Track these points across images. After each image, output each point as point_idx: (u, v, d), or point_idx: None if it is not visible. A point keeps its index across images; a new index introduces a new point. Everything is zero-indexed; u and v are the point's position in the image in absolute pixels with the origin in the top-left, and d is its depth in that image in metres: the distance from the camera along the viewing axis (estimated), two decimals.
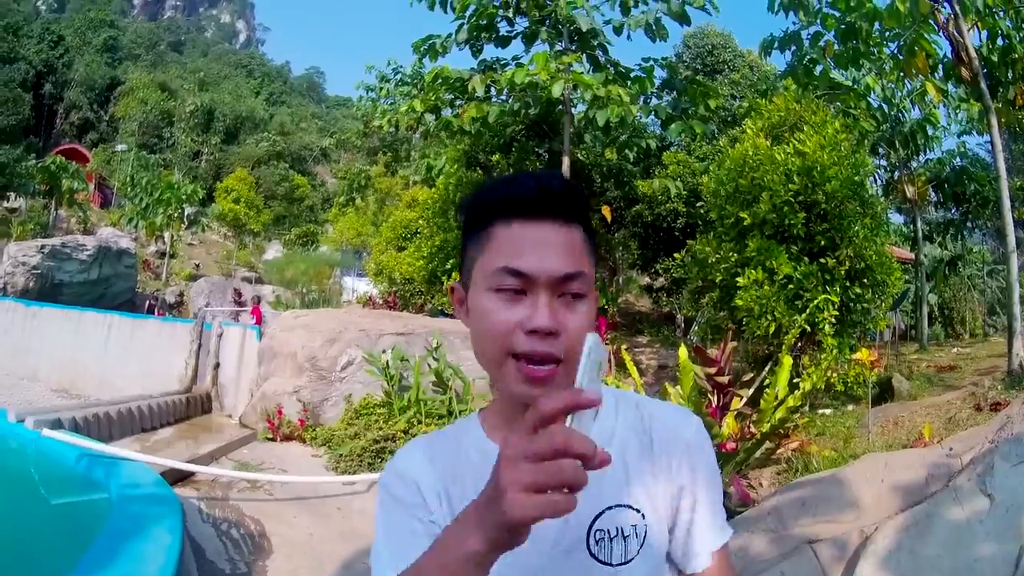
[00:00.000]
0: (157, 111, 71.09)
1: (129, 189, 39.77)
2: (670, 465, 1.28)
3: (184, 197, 38.27)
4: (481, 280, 1.21)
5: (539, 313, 1.14)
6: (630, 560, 1.21)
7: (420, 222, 20.61)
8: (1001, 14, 11.58)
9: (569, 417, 0.86)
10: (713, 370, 7.19)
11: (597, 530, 1.20)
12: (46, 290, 25.78)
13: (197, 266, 40.86)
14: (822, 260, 9.89)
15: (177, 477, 8.25)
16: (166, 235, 38.41)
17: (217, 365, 13.49)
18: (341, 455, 9.67)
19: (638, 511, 1.23)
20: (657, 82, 15.83)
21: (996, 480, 4.24)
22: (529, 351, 1.14)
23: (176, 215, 37.86)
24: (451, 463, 1.31)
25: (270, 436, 11.00)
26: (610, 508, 1.21)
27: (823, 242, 9.98)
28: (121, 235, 34.29)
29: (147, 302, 30.59)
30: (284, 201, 61.10)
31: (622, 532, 1.21)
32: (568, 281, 1.17)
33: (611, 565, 1.20)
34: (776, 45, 13.56)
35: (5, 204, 41.10)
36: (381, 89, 24.61)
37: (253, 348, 13.17)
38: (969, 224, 21.82)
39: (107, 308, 20.69)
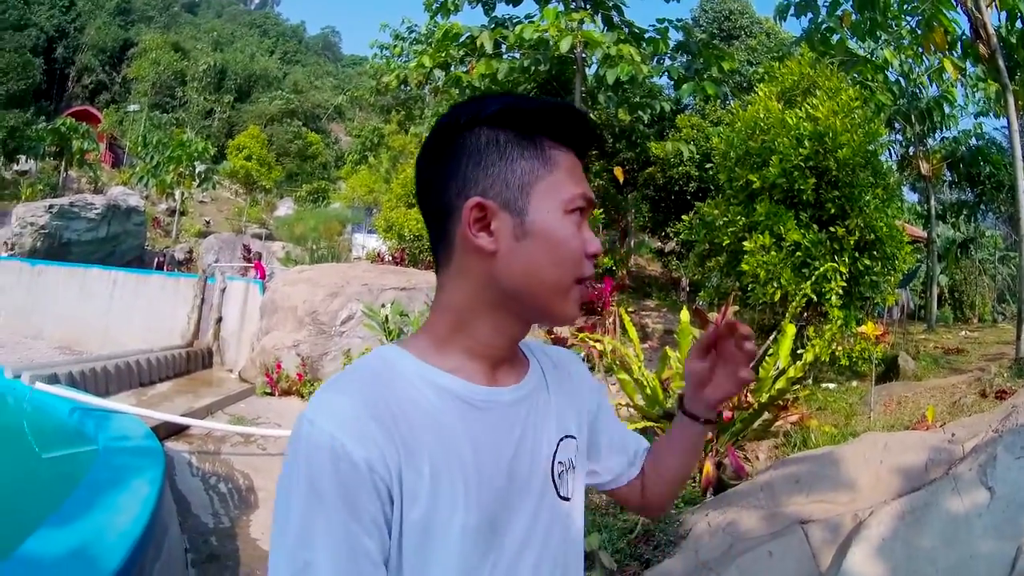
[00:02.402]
0: (170, 71, 71.01)
1: (140, 148, 39.86)
2: (582, 392, 1.36)
3: (195, 155, 38.24)
4: (554, 200, 1.13)
5: (595, 239, 1.16)
6: (575, 490, 1.25)
7: None
8: None
9: None
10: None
11: (558, 462, 1.20)
12: (54, 249, 25.79)
13: (207, 223, 40.91)
14: (831, 228, 9.74)
15: (171, 431, 8.28)
16: (177, 193, 38.42)
17: (219, 319, 13.53)
18: None
19: (574, 438, 1.27)
20: (672, 44, 15.71)
21: (998, 472, 4.12)
22: (591, 276, 1.17)
23: (187, 173, 37.85)
24: (404, 422, 1.02)
25: (268, 390, 11.09)
26: (563, 439, 1.23)
27: (833, 210, 9.83)
28: (130, 193, 34.14)
29: (156, 259, 30.62)
30: (297, 158, 60.98)
31: (572, 463, 1.24)
32: None
33: (566, 499, 1.21)
34: (792, 11, 13.45)
35: (15, 167, 41.09)
36: (395, 47, 24.55)
37: (256, 302, 13.23)
38: (983, 207, 21.73)
39: (115, 265, 20.77)
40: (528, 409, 1.18)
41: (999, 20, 11.93)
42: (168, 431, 8.17)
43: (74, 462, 6.58)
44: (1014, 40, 12.01)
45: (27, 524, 4.93)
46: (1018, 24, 11.86)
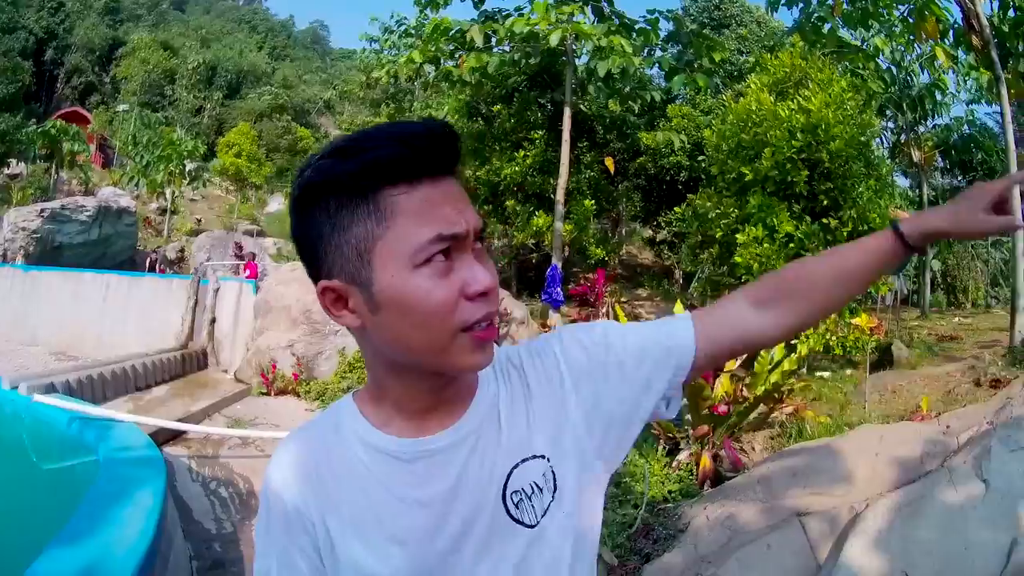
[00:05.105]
0: (159, 70, 70.67)
1: (131, 148, 39.58)
2: (552, 387, 1.20)
3: (185, 153, 38.03)
4: (397, 260, 1.02)
5: (480, 273, 1.04)
6: (546, 512, 1.15)
7: None
8: None
9: None
10: None
11: (513, 492, 1.13)
12: (47, 253, 25.64)
13: (199, 221, 40.59)
14: (824, 220, 9.81)
15: (169, 436, 8.26)
16: (167, 191, 38.25)
17: (213, 320, 13.50)
18: None
19: (542, 457, 1.17)
20: (662, 35, 15.84)
21: (992, 465, 4.15)
22: (483, 316, 1.04)
23: (177, 171, 37.62)
24: (332, 477, 1.16)
25: (264, 391, 11.11)
26: (517, 466, 1.14)
27: (826, 201, 9.89)
28: (121, 194, 34.03)
29: (148, 259, 30.50)
30: (287, 154, 60.44)
31: (536, 486, 1.15)
32: (481, 232, 1.09)
33: (531, 527, 1.14)
34: (783, 1, 13.44)
35: (6, 171, 40.91)
36: (384, 40, 24.52)
37: (249, 302, 13.22)
38: None
39: (108, 267, 20.93)
40: (470, 448, 1.14)
41: (991, 9, 11.97)
42: (166, 436, 8.15)
43: (75, 473, 6.59)
44: (1006, 29, 12.03)
45: (31, 539, 4.95)
46: (1011, 13, 11.88)
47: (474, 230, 1.06)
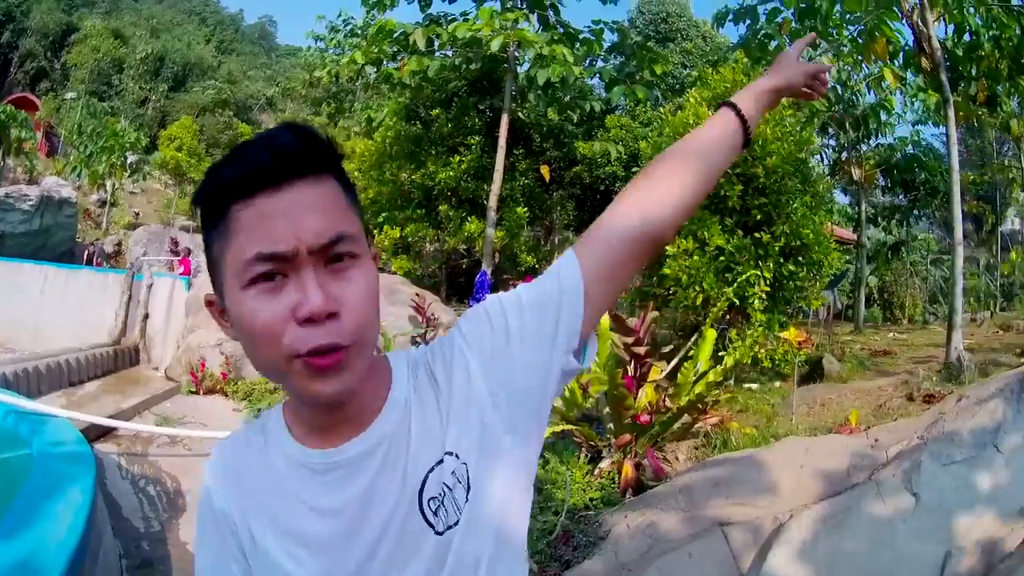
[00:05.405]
0: (109, 59, 69.38)
1: (75, 137, 38.89)
2: (460, 377, 1.17)
3: (128, 145, 37.43)
4: (233, 279, 1.01)
5: (309, 294, 0.97)
6: (462, 511, 1.12)
7: (356, 174, 20.34)
8: (972, 10, 11.58)
9: None
10: (631, 339, 7.06)
11: (430, 499, 1.11)
12: None
13: (137, 215, 40.04)
14: (756, 234, 9.87)
15: (100, 432, 8.24)
16: (108, 183, 37.60)
17: (146, 316, 13.39)
18: (260, 409, 9.63)
19: (453, 454, 1.13)
20: (606, 45, 15.94)
21: (923, 479, 4.23)
22: (319, 345, 0.98)
23: (119, 163, 36.96)
24: (255, 484, 1.18)
25: (193, 389, 11.06)
26: (432, 470, 1.12)
27: (759, 216, 9.96)
28: (64, 184, 33.28)
29: (86, 252, 29.99)
30: (227, 150, 59.83)
31: (447, 487, 1.12)
32: (333, 245, 1.01)
33: (450, 528, 1.11)
34: (730, 17, 13.55)
35: None
36: (330, 40, 24.34)
37: (181, 299, 13.15)
38: (916, 211, 22.15)
39: (47, 259, 20.61)
40: (382, 456, 1.12)
41: (945, 32, 12.11)
42: (97, 432, 8.12)
43: (8, 466, 6.55)
44: (960, 52, 12.22)
45: None
46: (967, 37, 12.06)
47: (310, 247, 0.99)
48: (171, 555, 5.76)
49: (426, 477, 1.12)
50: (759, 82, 1.46)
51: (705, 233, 9.73)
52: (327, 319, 0.99)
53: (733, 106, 1.36)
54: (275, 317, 0.98)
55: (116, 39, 72.64)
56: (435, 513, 1.11)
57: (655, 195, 1.24)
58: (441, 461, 1.12)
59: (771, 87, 1.45)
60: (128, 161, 37.51)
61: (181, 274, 17.29)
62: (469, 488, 1.13)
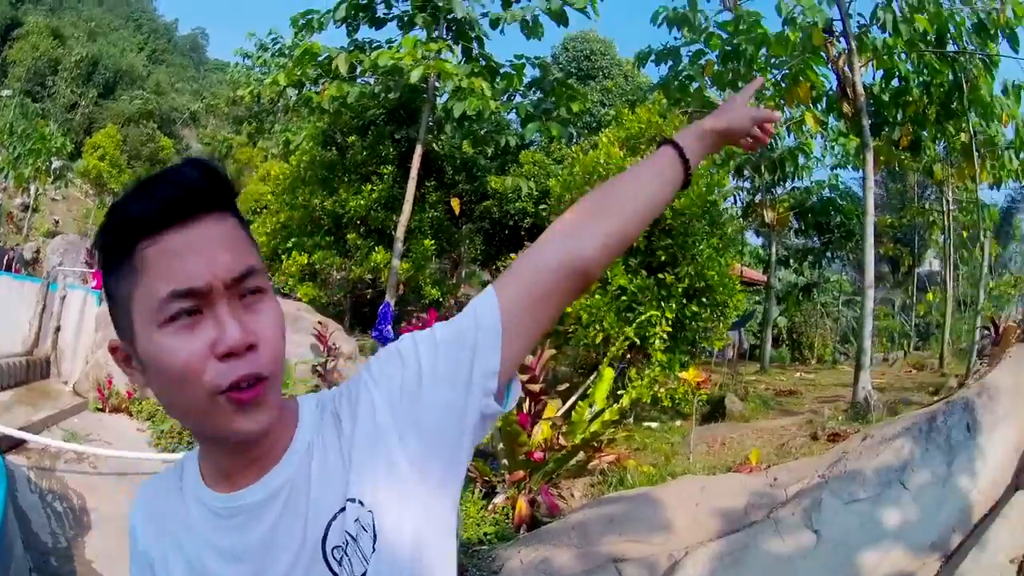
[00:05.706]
0: (46, 58, 68.23)
1: (6, 137, 38.19)
2: (367, 421, 1.11)
3: (54, 149, 36.89)
4: (146, 319, 0.99)
5: (231, 329, 0.97)
6: (367, 564, 1.06)
7: (270, 197, 20.25)
8: (903, 56, 11.83)
9: None
10: (526, 377, 7.09)
11: (334, 548, 1.07)
12: None
13: (56, 222, 39.35)
14: (660, 275, 9.93)
15: (11, 444, 8.08)
16: (32, 188, 36.94)
17: (58, 329, 13.02)
18: (163, 431, 9.54)
19: (355, 501, 1.08)
20: (527, 80, 15.98)
21: (824, 516, 4.28)
22: (240, 378, 0.98)
23: (44, 168, 36.41)
24: (172, 526, 1.17)
25: (100, 406, 10.80)
26: (335, 517, 1.07)
27: (663, 257, 10.04)
28: None
29: (5, 257, 29.34)
30: (147, 162, 59.02)
31: (351, 536, 1.06)
32: (244, 280, 1.01)
33: None
34: (653, 57, 13.71)
35: None
36: (258, 58, 24.20)
37: (92, 313, 12.76)
38: (830, 254, 22.53)
39: None
40: (283, 501, 1.09)
41: (873, 78, 12.45)
42: (8, 444, 7.97)
43: None
44: (886, 98, 12.52)
45: None
46: (895, 83, 12.37)
47: (224, 281, 0.99)
48: (77, 572, 5.84)
49: (328, 524, 1.08)
50: (703, 122, 1.47)
51: (608, 272, 9.75)
52: (246, 351, 0.99)
53: (675, 144, 1.37)
54: (194, 355, 0.97)
55: (55, 39, 71.51)
56: (339, 563, 1.07)
57: (583, 229, 1.22)
58: (343, 509, 1.08)
59: (714, 128, 1.45)
60: (53, 167, 36.96)
61: (94, 287, 16.89)
62: (375, 537, 1.07)
